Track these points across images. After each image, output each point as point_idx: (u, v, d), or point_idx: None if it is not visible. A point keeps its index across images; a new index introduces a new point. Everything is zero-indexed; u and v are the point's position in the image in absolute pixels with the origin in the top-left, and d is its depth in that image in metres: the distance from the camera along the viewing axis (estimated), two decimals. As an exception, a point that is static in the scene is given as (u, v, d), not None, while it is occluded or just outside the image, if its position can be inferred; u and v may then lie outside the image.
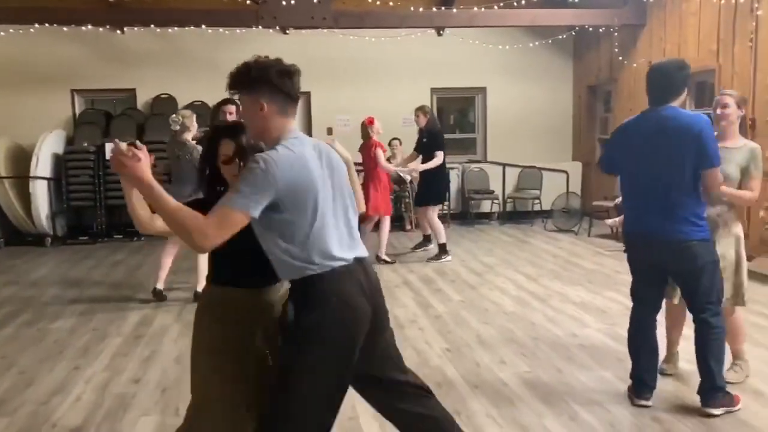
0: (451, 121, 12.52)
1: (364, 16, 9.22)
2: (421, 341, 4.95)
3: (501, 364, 4.44)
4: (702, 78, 8.52)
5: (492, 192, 11.08)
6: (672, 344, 4.17)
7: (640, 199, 3.55)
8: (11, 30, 9.47)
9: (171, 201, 2.11)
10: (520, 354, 4.63)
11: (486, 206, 11.24)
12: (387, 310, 2.55)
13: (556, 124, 11.64)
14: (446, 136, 11.47)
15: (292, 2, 8.30)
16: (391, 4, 9.25)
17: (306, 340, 2.25)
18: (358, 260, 2.39)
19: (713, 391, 3.50)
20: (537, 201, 10.91)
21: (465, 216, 11.09)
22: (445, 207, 10.23)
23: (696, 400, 3.60)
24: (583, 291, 6.31)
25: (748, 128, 3.83)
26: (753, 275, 5.32)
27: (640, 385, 3.69)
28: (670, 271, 3.57)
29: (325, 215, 2.28)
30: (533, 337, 4.99)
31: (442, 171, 8.04)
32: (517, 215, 11.14)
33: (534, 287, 6.55)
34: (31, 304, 6.20)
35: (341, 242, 2.34)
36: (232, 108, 5.76)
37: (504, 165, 11.21)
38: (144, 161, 2.13)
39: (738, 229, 3.83)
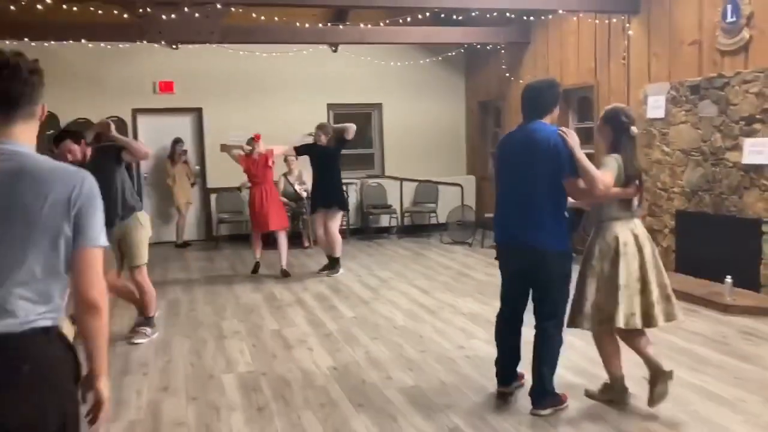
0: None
1: (254, 31, 9.08)
2: (308, 361, 4.86)
3: (387, 380, 4.42)
4: (583, 93, 8.93)
5: (390, 206, 11.16)
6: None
7: (507, 209, 3.74)
8: None
9: None
10: (407, 369, 4.63)
11: (384, 221, 11.30)
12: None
13: (451, 139, 11.90)
14: (344, 151, 11.58)
15: (177, 16, 8.05)
16: (285, 19, 9.17)
17: None
18: None
19: (544, 394, 3.74)
20: (433, 214, 11.08)
21: (364, 231, 11.11)
22: (344, 222, 10.19)
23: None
24: (472, 302, 6.43)
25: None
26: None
27: (502, 372, 3.99)
28: (529, 278, 3.74)
29: None
30: (421, 351, 5.01)
31: (312, 184, 8.28)
32: (414, 229, 11.26)
33: (426, 300, 6.61)
34: None
35: None
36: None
37: (401, 180, 11.32)
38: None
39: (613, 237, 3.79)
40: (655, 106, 7.13)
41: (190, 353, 5.15)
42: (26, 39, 8.71)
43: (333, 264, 8.06)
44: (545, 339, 3.74)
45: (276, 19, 9.15)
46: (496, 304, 4.02)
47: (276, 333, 5.63)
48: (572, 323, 3.78)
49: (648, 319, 3.65)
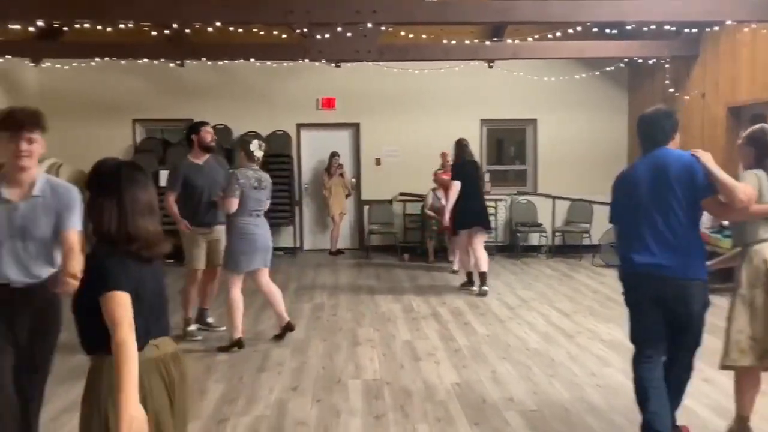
0: (502, 152, 12.46)
1: (409, 49, 9.34)
2: (433, 375, 4.91)
3: (508, 402, 4.35)
4: (757, 111, 8.18)
5: (540, 225, 10.89)
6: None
7: (643, 240, 3.44)
8: (75, 63, 10.07)
9: None
10: (531, 392, 4.52)
11: (534, 239, 11.05)
12: None
13: (609, 157, 11.34)
14: (495, 167, 11.54)
15: (338, 36, 8.50)
16: (432, 37, 9.34)
17: None
18: None
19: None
20: (586, 235, 10.65)
21: (512, 249, 10.93)
22: (491, 239, 10.10)
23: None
24: (615, 329, 6.10)
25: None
26: None
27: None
28: (668, 310, 3.44)
29: None
30: (550, 375, 4.87)
31: (457, 203, 7.93)
32: (566, 249, 10.90)
33: (565, 323, 6.39)
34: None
35: None
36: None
37: (554, 197, 11.02)
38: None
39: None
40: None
41: (323, 356, 5.40)
42: (203, 59, 9.64)
43: (483, 280, 7.84)
44: (682, 372, 3.52)
45: (423, 37, 9.32)
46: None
47: (407, 344, 5.74)
48: (726, 361, 3.48)
49: None
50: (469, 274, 8.09)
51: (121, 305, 2.10)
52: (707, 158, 3.35)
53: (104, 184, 2.27)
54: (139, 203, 2.26)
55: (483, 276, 7.82)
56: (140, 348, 2.13)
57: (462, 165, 8.05)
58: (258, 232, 5.55)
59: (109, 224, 2.22)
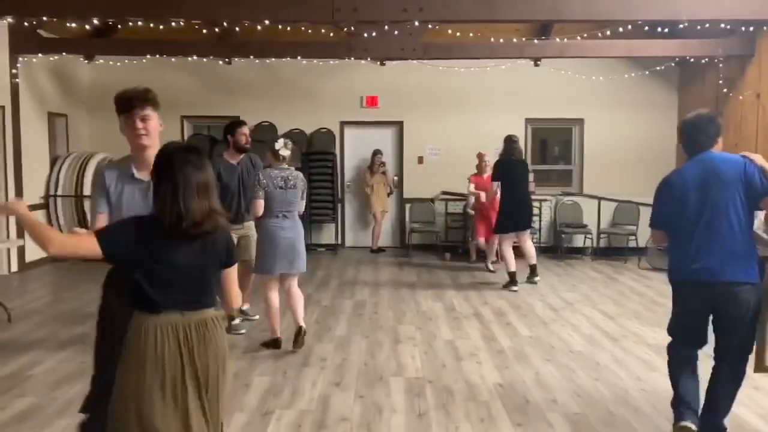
0: (546, 152, 12.32)
1: (454, 48, 9.31)
2: (476, 375, 4.89)
3: (552, 404, 4.31)
4: (814, 112, 7.93)
5: (585, 226, 10.74)
6: None
7: (696, 243, 3.43)
8: (126, 60, 10.31)
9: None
10: (575, 395, 4.47)
11: (579, 240, 10.90)
12: None
13: (657, 158, 11.10)
14: (539, 167, 11.40)
15: (384, 34, 8.52)
16: (480, 34, 9.28)
17: None
18: None
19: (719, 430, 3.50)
20: (633, 237, 10.45)
21: (556, 250, 10.80)
22: (535, 239, 10.00)
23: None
24: (662, 333, 5.91)
25: None
26: None
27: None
28: (719, 313, 3.44)
29: None
30: (594, 378, 4.80)
31: (502, 202, 8.08)
32: (611, 251, 10.71)
33: (609, 326, 6.29)
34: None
35: None
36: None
37: (599, 198, 10.84)
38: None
39: None
40: None
41: (366, 353, 5.42)
42: (251, 56, 9.77)
43: (534, 271, 8.29)
44: (731, 377, 3.50)
45: (471, 35, 9.28)
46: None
47: (449, 343, 5.72)
48: (760, 367, 3.42)
49: None
50: (512, 274, 8.01)
51: (89, 236, 2.45)
52: (760, 159, 3.35)
53: (161, 165, 2.46)
54: (190, 183, 2.42)
55: (533, 268, 8.23)
56: (157, 312, 2.42)
57: (508, 163, 8.03)
58: (282, 234, 5.30)
59: (164, 203, 2.40)
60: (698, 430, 3.45)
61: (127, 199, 3.02)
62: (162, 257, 2.43)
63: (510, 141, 8.14)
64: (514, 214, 7.98)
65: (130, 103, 2.99)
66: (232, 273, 2.67)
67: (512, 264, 8.01)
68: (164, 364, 2.41)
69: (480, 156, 9.46)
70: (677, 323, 3.66)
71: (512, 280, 7.99)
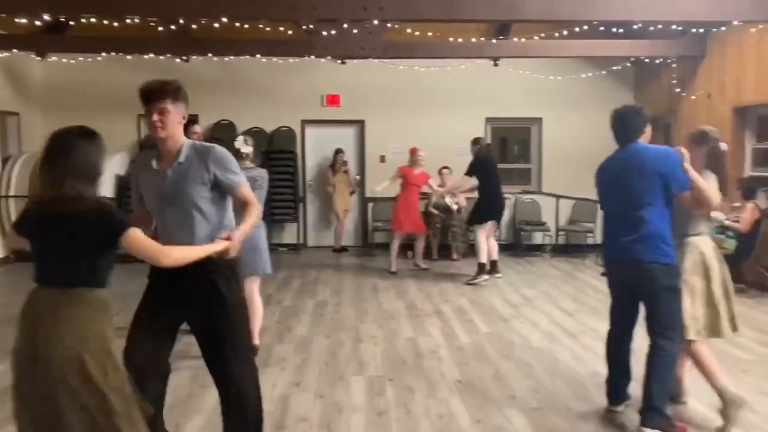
0: (506, 151, 12.45)
1: (415, 47, 9.33)
2: (436, 372, 4.91)
3: (510, 399, 4.35)
4: (763, 111, 8.17)
5: (544, 224, 10.88)
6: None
7: (615, 227, 3.84)
8: (80, 58, 10.08)
9: None
10: (534, 390, 4.52)
11: (537, 238, 11.04)
12: None
13: (614, 157, 11.34)
14: (500, 166, 11.45)
15: (344, 33, 8.48)
16: (439, 34, 9.32)
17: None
18: None
19: (649, 410, 3.61)
20: (591, 234, 10.64)
21: (516, 247, 10.92)
22: (495, 236, 10.08)
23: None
24: (618, 329, 6.09)
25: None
26: None
27: (612, 391, 4.05)
28: (637, 291, 3.78)
29: None
30: (552, 374, 4.87)
31: (482, 194, 8.52)
32: (570, 248, 10.88)
33: (568, 323, 6.39)
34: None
35: None
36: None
37: (558, 196, 10.98)
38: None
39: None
40: None
41: (326, 353, 5.40)
42: (210, 54, 9.64)
43: (495, 267, 8.58)
44: (653, 352, 3.72)
45: (429, 34, 9.32)
46: (644, 332, 3.84)
47: (410, 341, 5.74)
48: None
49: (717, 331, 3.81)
50: (482, 265, 8.28)
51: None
52: (688, 159, 3.68)
53: (46, 149, 2.64)
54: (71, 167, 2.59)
55: (494, 264, 8.53)
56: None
57: (486, 159, 8.51)
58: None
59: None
60: (640, 414, 3.68)
61: (145, 188, 3.14)
62: (45, 233, 2.60)
63: (483, 141, 8.71)
64: (491, 206, 8.43)
65: (147, 96, 2.98)
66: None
67: (484, 255, 8.29)
68: None
69: (413, 150, 9.16)
70: (611, 305, 4.01)
71: (481, 270, 8.25)
